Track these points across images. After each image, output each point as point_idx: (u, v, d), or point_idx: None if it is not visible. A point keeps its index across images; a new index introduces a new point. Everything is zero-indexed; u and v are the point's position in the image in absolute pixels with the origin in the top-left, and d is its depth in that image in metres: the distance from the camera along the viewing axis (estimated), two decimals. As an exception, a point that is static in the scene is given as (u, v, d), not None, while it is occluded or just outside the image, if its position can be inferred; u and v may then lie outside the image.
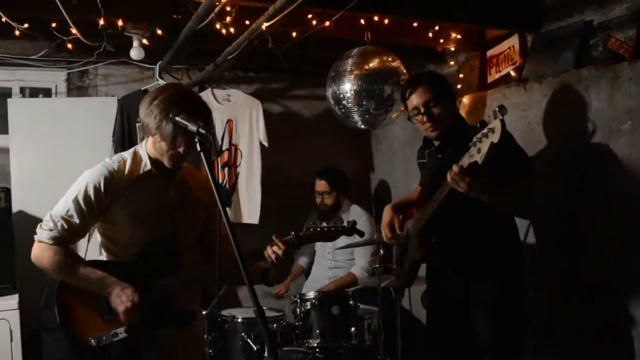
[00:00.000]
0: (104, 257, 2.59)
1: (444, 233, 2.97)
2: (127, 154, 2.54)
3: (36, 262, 2.42)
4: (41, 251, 2.40)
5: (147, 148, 2.53)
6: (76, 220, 2.39)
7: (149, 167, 2.50)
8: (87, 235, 2.59)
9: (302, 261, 5.27)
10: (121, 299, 2.37)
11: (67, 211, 2.39)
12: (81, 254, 2.59)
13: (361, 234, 2.79)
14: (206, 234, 2.69)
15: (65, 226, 2.39)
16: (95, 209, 2.42)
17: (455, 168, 2.49)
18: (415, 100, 3.08)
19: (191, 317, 2.58)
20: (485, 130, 2.34)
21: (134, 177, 2.48)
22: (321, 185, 4.92)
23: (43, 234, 2.40)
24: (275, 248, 2.49)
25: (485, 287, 3.00)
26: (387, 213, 3.30)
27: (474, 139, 2.40)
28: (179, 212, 2.57)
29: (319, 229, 2.64)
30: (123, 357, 2.43)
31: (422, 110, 3.04)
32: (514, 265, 3.06)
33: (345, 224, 2.69)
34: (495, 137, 2.28)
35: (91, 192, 2.40)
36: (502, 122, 2.28)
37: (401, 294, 3.57)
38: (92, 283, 2.39)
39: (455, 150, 2.78)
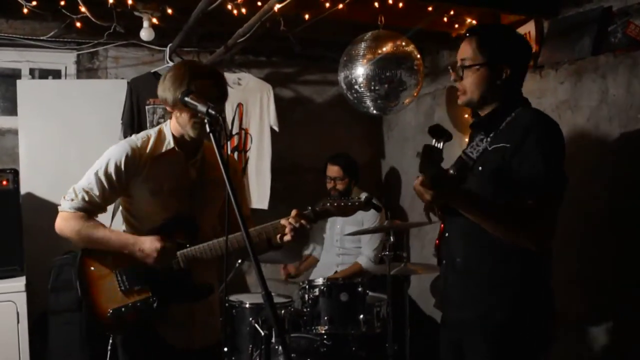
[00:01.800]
0: (125, 229, 2.67)
1: (453, 231, 2.55)
2: (152, 132, 2.62)
3: (59, 232, 2.53)
4: (64, 220, 2.51)
5: (171, 126, 2.59)
6: (96, 192, 2.49)
7: (172, 145, 2.56)
8: (112, 212, 2.75)
9: (316, 252, 5.25)
10: (144, 252, 2.47)
11: (89, 184, 2.50)
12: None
13: (378, 208, 2.76)
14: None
15: (86, 198, 2.49)
16: (115, 184, 2.50)
17: (417, 181, 2.25)
18: (459, 52, 2.49)
19: (208, 289, 2.64)
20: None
21: (156, 154, 2.55)
22: (334, 170, 4.89)
23: (65, 204, 2.51)
24: (291, 220, 2.52)
25: (490, 305, 2.39)
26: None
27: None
28: (199, 192, 2.61)
29: (335, 204, 2.64)
30: (139, 330, 2.53)
31: (456, 65, 2.49)
32: (532, 280, 2.38)
33: (360, 198, 2.66)
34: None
35: (112, 169, 2.48)
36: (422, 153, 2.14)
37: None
38: (113, 243, 2.50)
39: (487, 134, 2.43)
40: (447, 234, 2.61)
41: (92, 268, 2.53)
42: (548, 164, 2.25)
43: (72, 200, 2.50)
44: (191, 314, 2.59)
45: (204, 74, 2.48)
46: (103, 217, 2.61)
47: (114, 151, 2.53)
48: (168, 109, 2.55)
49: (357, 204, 2.64)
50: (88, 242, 2.51)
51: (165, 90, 2.48)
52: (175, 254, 2.51)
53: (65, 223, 2.51)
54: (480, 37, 2.43)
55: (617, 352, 3.38)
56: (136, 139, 2.58)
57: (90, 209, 2.52)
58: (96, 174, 2.50)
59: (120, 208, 2.68)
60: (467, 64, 2.42)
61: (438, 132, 2.26)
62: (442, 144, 2.22)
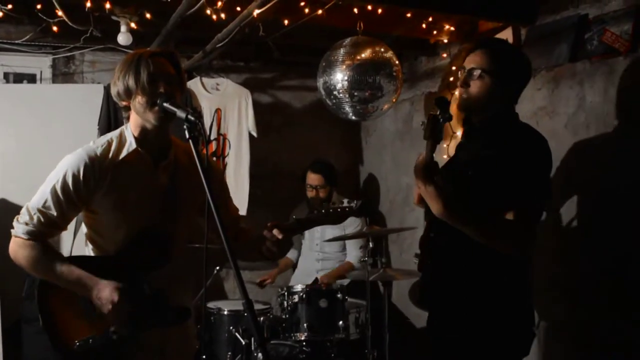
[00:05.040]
0: (89, 249, 2.40)
1: (442, 231, 2.55)
2: (114, 135, 2.36)
3: (13, 259, 2.27)
4: (17, 247, 2.24)
5: (131, 125, 2.34)
6: (53, 212, 2.23)
7: (134, 146, 2.30)
8: (73, 229, 2.46)
9: (291, 254, 5.22)
10: (101, 301, 2.19)
11: (45, 202, 2.23)
12: (67, 247, 2.47)
13: (371, 211, 2.67)
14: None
15: (42, 219, 2.22)
16: (74, 199, 2.24)
17: (419, 158, 2.39)
18: (467, 61, 2.60)
19: (185, 313, 2.39)
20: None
21: (117, 159, 2.29)
22: (316, 179, 4.87)
23: (19, 228, 2.24)
24: (275, 231, 2.33)
25: (480, 301, 2.50)
26: None
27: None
28: (171, 198, 2.37)
29: (323, 212, 2.42)
30: (107, 358, 2.27)
31: (465, 72, 2.58)
32: (517, 282, 2.53)
33: (352, 204, 2.45)
34: None
35: (69, 181, 2.21)
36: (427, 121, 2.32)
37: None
38: (70, 283, 2.22)
39: (479, 144, 2.55)
40: (432, 234, 2.64)
41: (54, 296, 2.24)
42: (535, 181, 2.42)
43: (27, 223, 2.22)
44: (165, 340, 2.37)
45: (157, 54, 2.30)
46: (65, 235, 2.39)
47: (69, 161, 2.25)
48: (124, 103, 2.30)
49: (347, 209, 2.43)
50: (43, 276, 2.23)
51: (115, 83, 2.27)
52: (125, 316, 2.21)
53: (19, 251, 2.23)
54: (493, 51, 2.55)
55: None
56: (95, 145, 2.29)
57: (47, 231, 2.25)
58: (52, 189, 2.22)
59: (83, 225, 2.42)
60: (476, 73, 2.52)
61: (443, 105, 2.41)
62: (444, 119, 2.41)
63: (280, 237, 2.34)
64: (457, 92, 2.67)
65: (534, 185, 2.42)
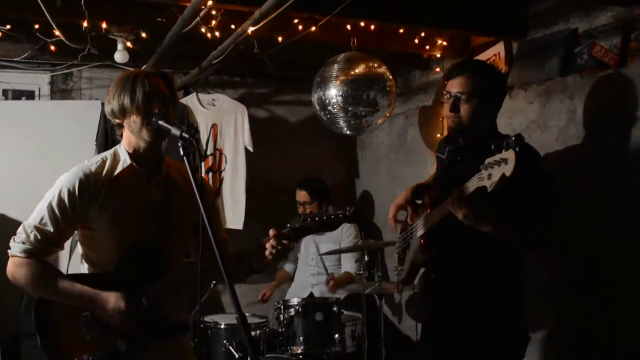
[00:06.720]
0: (85, 268, 2.42)
1: (445, 245, 2.72)
2: (108, 153, 2.40)
3: (11, 279, 2.26)
4: (15, 266, 2.24)
5: (125, 143, 2.38)
6: (50, 228, 2.24)
7: (128, 161, 2.34)
8: (69, 249, 2.46)
9: (288, 267, 5.24)
10: (108, 313, 2.22)
11: (41, 219, 2.25)
12: (63, 268, 2.47)
13: (364, 219, 2.68)
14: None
15: (39, 236, 2.23)
16: (70, 215, 2.26)
17: (456, 192, 2.36)
18: (451, 85, 2.74)
19: (183, 327, 2.43)
20: (497, 158, 2.16)
21: (112, 175, 2.32)
22: (302, 195, 4.92)
23: (16, 247, 2.24)
24: (273, 242, 2.34)
25: (481, 310, 2.67)
26: (402, 197, 3.03)
27: (486, 162, 2.22)
28: (165, 213, 2.39)
29: (317, 219, 2.42)
30: None
31: (452, 99, 2.71)
32: (514, 290, 2.73)
33: (345, 211, 2.44)
34: (507, 170, 2.10)
35: (65, 197, 2.24)
36: (517, 155, 2.09)
37: (400, 290, 3.28)
38: (72, 299, 2.23)
39: (473, 163, 2.50)
40: (434, 250, 2.75)
41: (53, 314, 2.23)
42: (552, 190, 2.67)
43: (24, 242, 2.22)
44: (163, 355, 2.35)
45: (152, 74, 2.34)
46: (60, 255, 2.43)
47: (65, 178, 2.28)
48: (117, 121, 2.34)
49: (340, 216, 2.42)
50: (43, 293, 2.23)
51: (110, 102, 2.30)
52: (135, 322, 2.24)
53: (17, 270, 2.23)
54: (476, 74, 2.72)
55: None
56: (89, 163, 2.33)
57: (44, 249, 2.25)
58: (49, 206, 2.24)
59: (78, 244, 2.42)
60: (464, 98, 2.67)
61: None
62: None
63: (279, 246, 2.35)
64: (446, 115, 2.77)
65: (555, 197, 2.67)
